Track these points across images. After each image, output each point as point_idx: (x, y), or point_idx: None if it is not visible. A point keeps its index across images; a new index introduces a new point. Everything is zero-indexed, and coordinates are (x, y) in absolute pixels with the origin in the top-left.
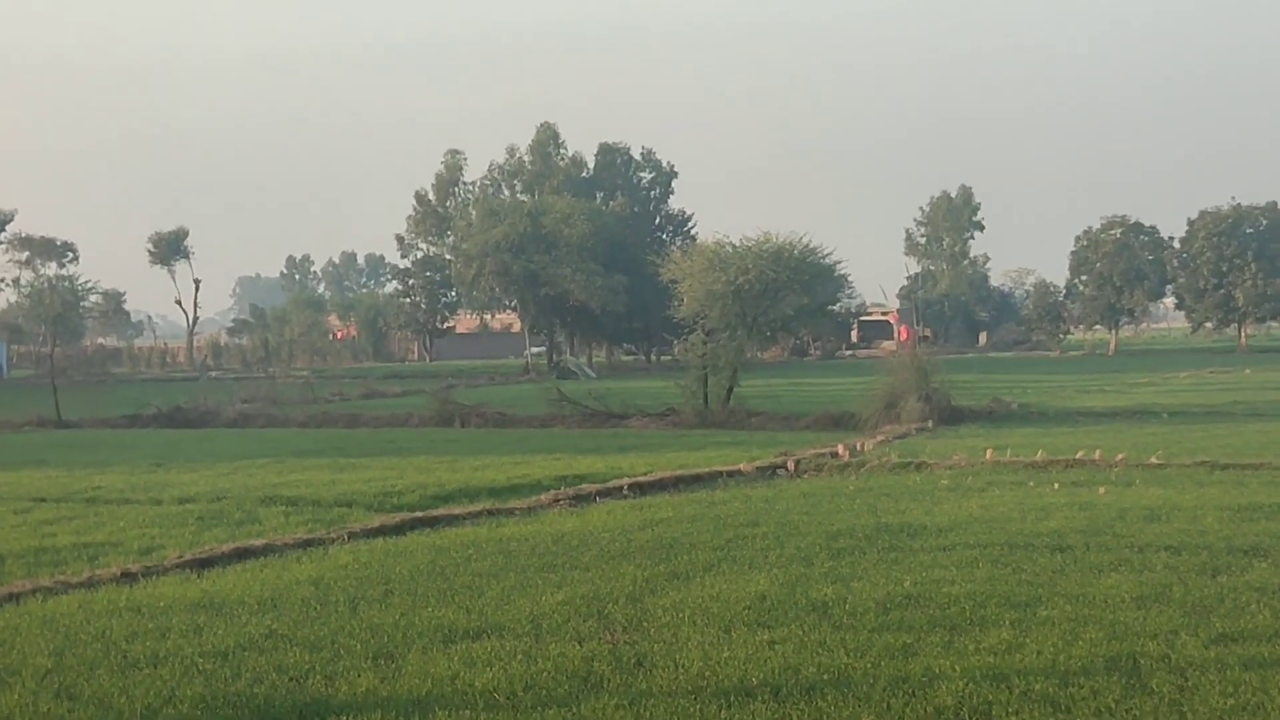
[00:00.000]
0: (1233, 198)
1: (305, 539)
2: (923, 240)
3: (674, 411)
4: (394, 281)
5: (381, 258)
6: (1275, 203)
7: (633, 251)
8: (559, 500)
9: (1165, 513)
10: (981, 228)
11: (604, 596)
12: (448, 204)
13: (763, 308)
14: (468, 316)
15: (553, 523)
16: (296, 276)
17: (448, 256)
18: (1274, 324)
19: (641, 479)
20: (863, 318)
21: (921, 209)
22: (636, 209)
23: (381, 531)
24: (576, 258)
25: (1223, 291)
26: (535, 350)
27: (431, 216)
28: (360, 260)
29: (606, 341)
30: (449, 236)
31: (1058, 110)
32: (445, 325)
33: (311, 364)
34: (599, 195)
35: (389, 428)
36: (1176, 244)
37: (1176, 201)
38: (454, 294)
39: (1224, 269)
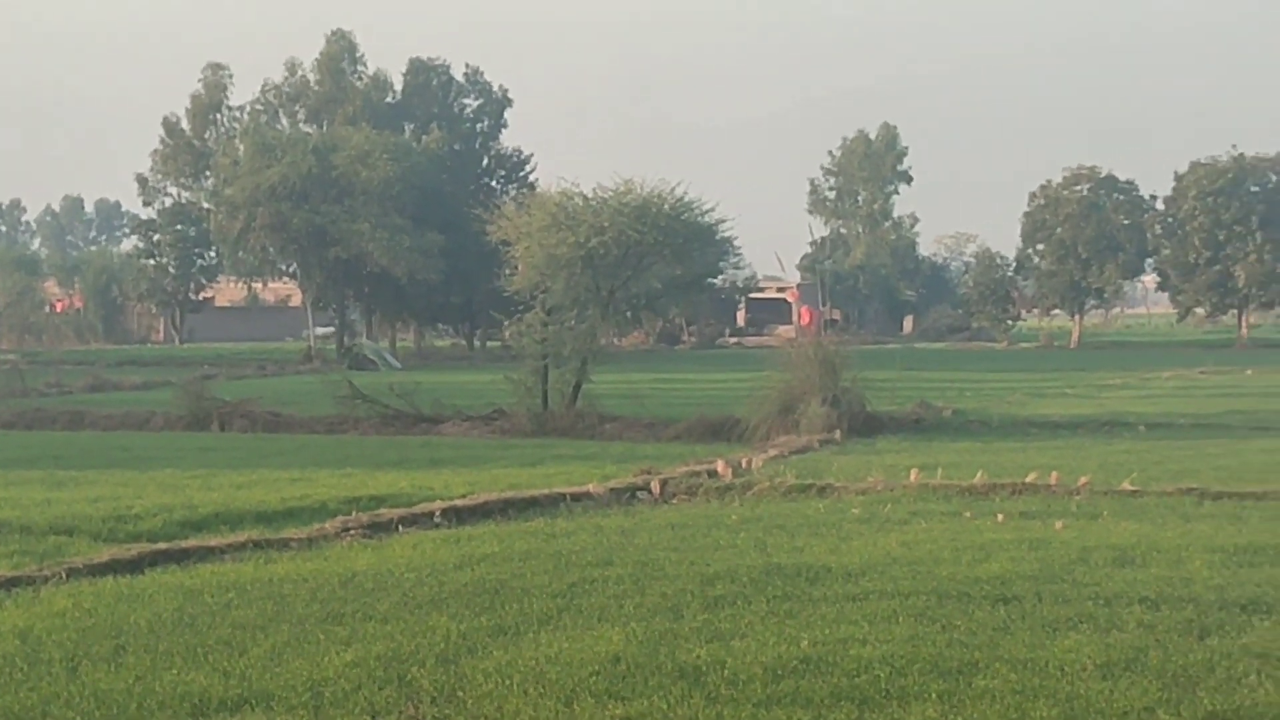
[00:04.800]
0: (1233, 146)
1: (9, 576)
2: (832, 195)
3: (503, 414)
4: (133, 237)
5: (117, 205)
6: None
7: (452, 203)
8: (349, 529)
9: (1141, 554)
10: (909, 180)
11: (406, 657)
12: (207, 136)
13: (622, 279)
14: (232, 285)
15: (340, 559)
16: (2, 228)
17: (206, 205)
18: None
19: (459, 502)
20: (753, 295)
21: (831, 154)
22: (458, 146)
23: (112, 568)
24: (377, 209)
25: (1218, 268)
26: (321, 331)
27: (185, 151)
28: (89, 208)
29: (415, 321)
30: (208, 178)
31: (1009, 30)
32: (201, 296)
33: (21, 344)
34: (408, 128)
35: (124, 430)
36: (1160, 205)
37: (1161, 150)
38: (214, 254)
39: (1221, 238)
